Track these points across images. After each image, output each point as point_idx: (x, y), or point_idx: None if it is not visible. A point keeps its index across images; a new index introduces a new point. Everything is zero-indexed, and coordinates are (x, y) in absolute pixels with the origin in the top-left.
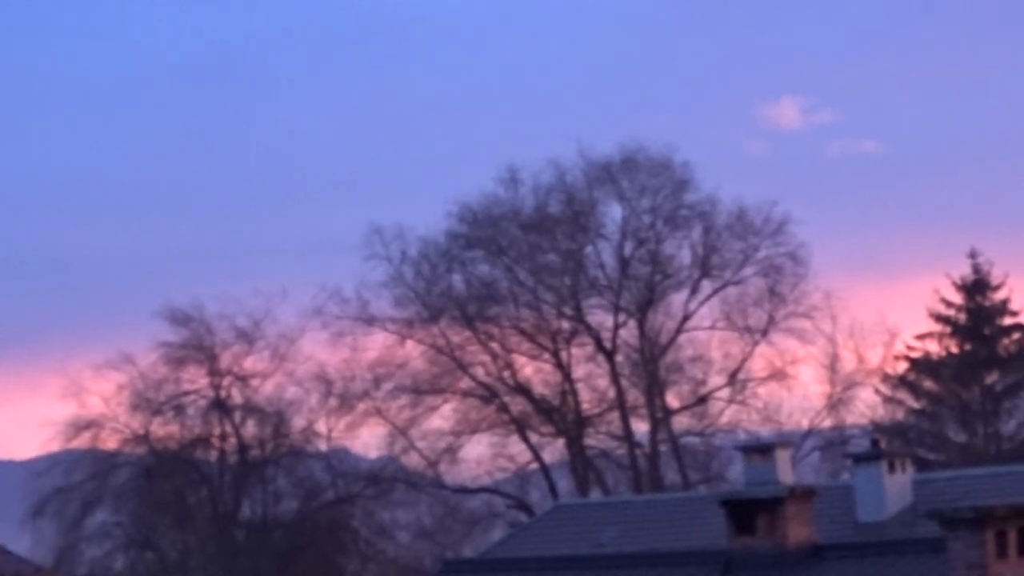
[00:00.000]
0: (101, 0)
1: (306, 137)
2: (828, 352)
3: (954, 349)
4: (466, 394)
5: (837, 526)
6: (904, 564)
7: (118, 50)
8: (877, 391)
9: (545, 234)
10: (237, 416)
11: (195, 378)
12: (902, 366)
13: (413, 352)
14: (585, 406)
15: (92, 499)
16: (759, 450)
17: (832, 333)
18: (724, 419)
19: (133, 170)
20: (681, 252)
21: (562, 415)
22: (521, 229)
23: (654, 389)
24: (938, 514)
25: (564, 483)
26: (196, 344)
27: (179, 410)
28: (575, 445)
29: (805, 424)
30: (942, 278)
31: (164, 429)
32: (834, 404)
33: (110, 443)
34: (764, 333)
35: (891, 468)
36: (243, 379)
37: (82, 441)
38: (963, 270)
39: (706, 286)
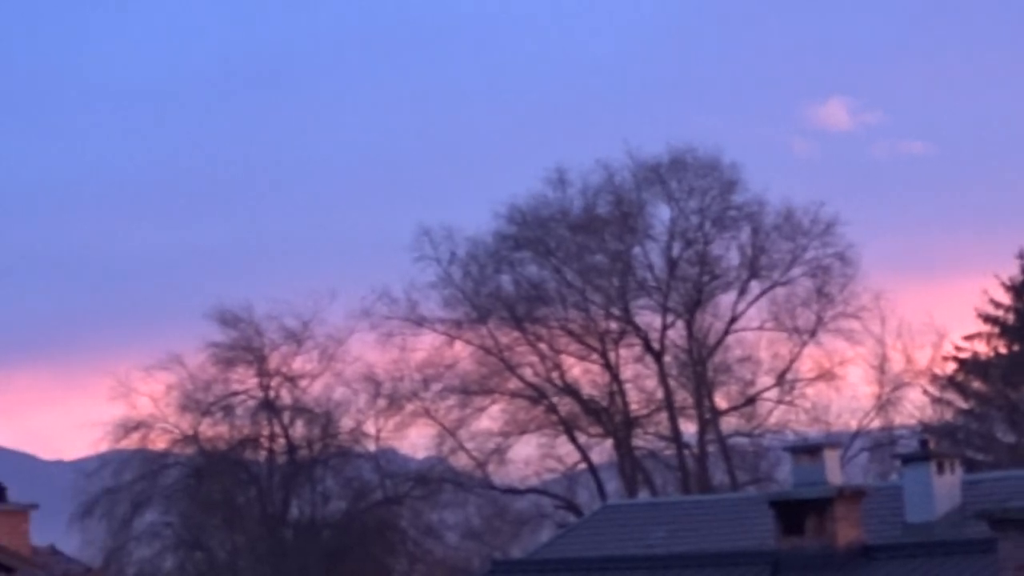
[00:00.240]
0: (146, 3)
1: (356, 138)
2: (876, 353)
3: (1002, 350)
4: (514, 395)
5: (886, 527)
6: (953, 565)
7: (170, 53)
8: (925, 392)
9: (593, 235)
10: (286, 416)
11: (244, 379)
12: (950, 367)
13: (462, 353)
14: (633, 407)
15: (141, 499)
16: (808, 451)
17: (880, 334)
18: (772, 420)
19: (183, 171)
20: (729, 253)
21: (610, 416)
22: (569, 230)
23: (702, 390)
24: (987, 515)
25: (612, 484)
26: (245, 345)
27: (228, 410)
28: (623, 446)
29: (853, 425)
30: (990, 278)
31: (213, 429)
32: (882, 405)
33: (159, 443)
34: (812, 334)
35: (940, 469)
36: (292, 380)
37: (131, 441)
38: (1011, 270)
39: (754, 287)
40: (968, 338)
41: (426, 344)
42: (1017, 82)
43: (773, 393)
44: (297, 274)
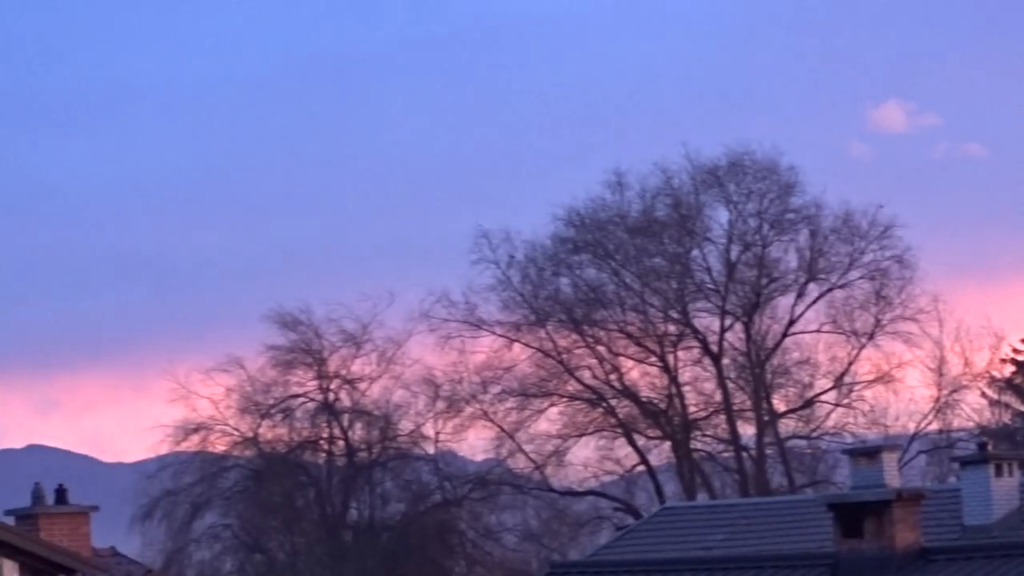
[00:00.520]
0: (218, 5)
1: (415, 142)
2: (934, 355)
3: None
4: (573, 397)
5: (944, 529)
6: (1011, 567)
7: (227, 57)
8: (983, 394)
9: (652, 238)
10: (345, 419)
11: (303, 381)
12: (1008, 369)
13: (520, 355)
14: (691, 409)
15: (201, 501)
16: (866, 453)
17: (938, 336)
18: (830, 422)
19: (242, 174)
20: (787, 256)
21: (669, 418)
22: (628, 233)
23: (760, 392)
24: None
25: (671, 486)
26: (304, 347)
27: (287, 413)
28: (682, 448)
29: (911, 427)
30: None
31: (273, 432)
32: (940, 407)
33: (219, 446)
34: (870, 336)
35: (998, 471)
36: (351, 382)
37: (191, 444)
38: None
39: (812, 289)
40: None
41: (484, 347)
42: None
43: (831, 396)
44: (356, 277)
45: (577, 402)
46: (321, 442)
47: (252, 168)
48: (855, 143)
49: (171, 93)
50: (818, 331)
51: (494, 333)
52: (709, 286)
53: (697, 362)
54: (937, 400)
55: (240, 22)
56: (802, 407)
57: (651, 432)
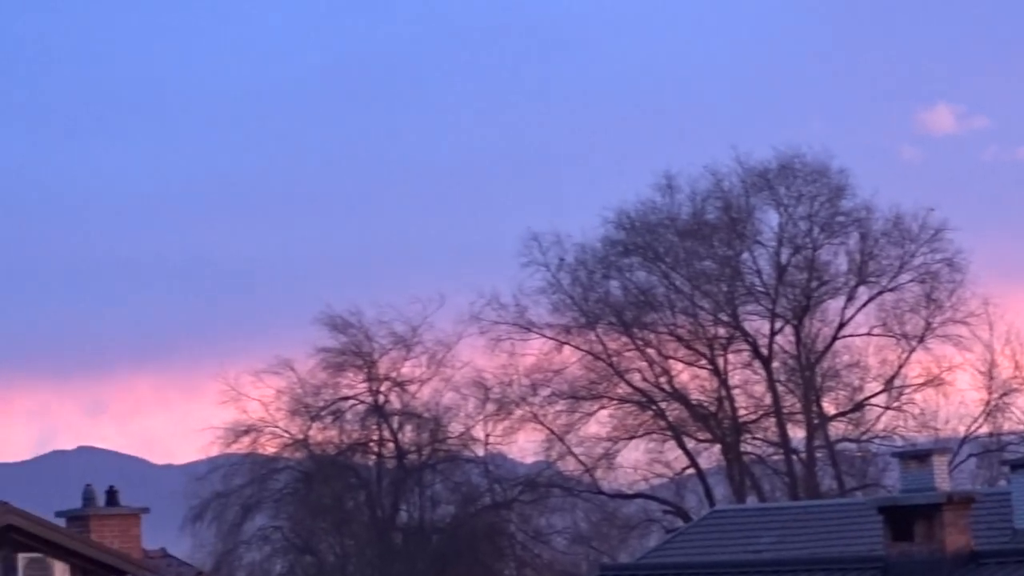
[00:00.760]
0: (261, 11)
1: (465, 145)
2: (985, 358)
3: None
4: (623, 400)
5: (994, 533)
6: None
7: (282, 60)
8: None
9: (702, 241)
10: (395, 421)
11: (353, 383)
12: None
13: (570, 358)
14: (741, 412)
15: (251, 503)
16: (916, 456)
17: (989, 339)
18: (880, 425)
19: (293, 177)
20: (837, 259)
21: (718, 421)
22: (678, 236)
23: (810, 395)
24: None
25: (720, 489)
26: (355, 350)
27: (337, 415)
28: (731, 451)
29: (961, 431)
30: None
31: (323, 434)
32: (991, 410)
33: (269, 448)
34: (921, 339)
35: None
36: (401, 385)
37: (241, 446)
38: None
39: (862, 292)
40: None
41: (534, 349)
42: None
43: (881, 399)
44: (406, 279)
45: (627, 405)
46: (371, 444)
47: (302, 171)
48: (905, 146)
49: (222, 99)
50: (868, 334)
51: (544, 336)
52: (759, 289)
53: (747, 365)
54: (987, 403)
55: (297, 25)
56: (852, 410)
57: (701, 435)
